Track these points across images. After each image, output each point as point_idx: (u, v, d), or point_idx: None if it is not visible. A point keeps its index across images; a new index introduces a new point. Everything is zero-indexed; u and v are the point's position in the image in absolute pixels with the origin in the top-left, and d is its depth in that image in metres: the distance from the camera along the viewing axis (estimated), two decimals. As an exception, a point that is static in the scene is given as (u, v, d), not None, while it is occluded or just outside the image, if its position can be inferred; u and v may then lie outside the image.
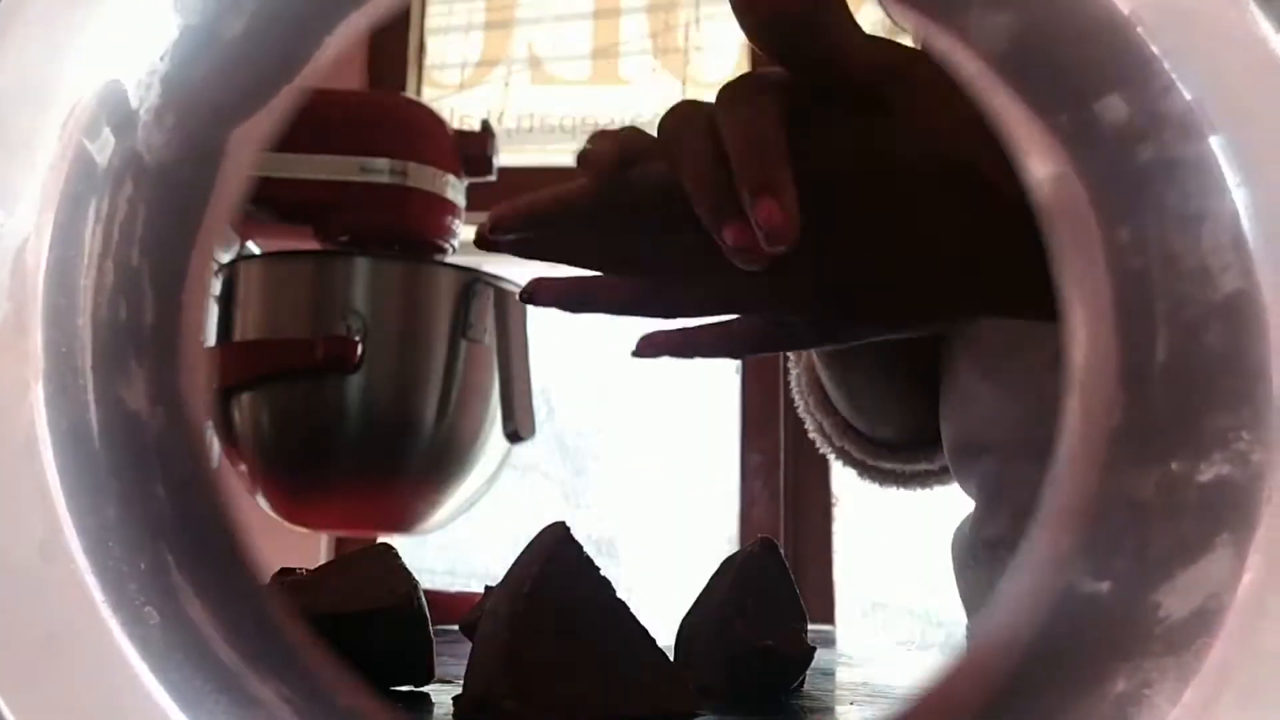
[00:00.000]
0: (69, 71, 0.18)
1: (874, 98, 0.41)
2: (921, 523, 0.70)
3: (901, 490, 0.78)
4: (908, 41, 0.43)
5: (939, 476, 0.76)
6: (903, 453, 0.74)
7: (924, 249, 0.42)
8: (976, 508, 0.65)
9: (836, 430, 0.75)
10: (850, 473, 0.78)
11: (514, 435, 0.95)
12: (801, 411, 0.78)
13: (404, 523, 0.97)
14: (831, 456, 0.78)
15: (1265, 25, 0.19)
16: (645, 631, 0.34)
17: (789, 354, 0.78)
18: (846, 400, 0.72)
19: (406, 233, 0.99)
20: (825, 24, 0.40)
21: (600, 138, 0.44)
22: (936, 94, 0.41)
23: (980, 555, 0.63)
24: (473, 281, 0.95)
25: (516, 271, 1.03)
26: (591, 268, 0.47)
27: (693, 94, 2.07)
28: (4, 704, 0.16)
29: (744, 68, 2.03)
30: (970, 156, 0.40)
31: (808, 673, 0.42)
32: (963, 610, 0.70)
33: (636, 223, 0.44)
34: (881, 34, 0.42)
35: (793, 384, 0.78)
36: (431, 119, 1.03)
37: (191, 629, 0.19)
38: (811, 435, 0.79)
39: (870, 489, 0.78)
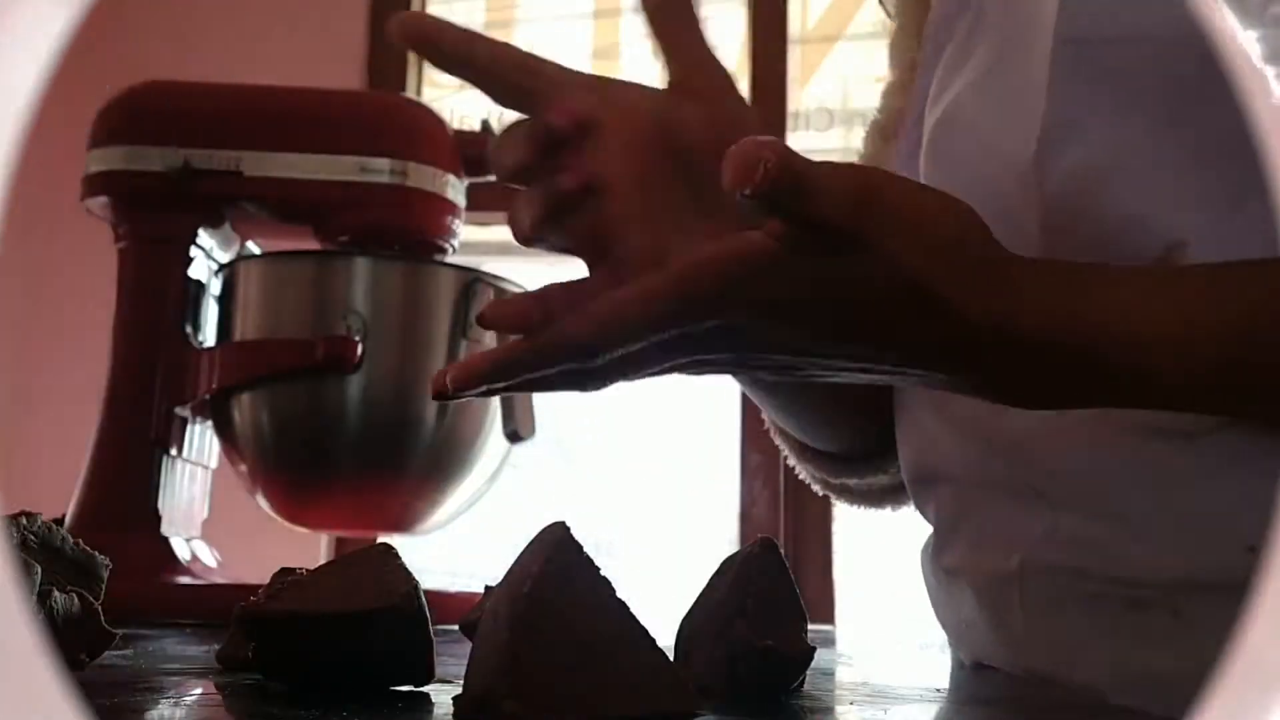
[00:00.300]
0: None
1: (846, 230, 0.40)
2: (921, 523, 0.70)
3: (874, 510, 0.79)
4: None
5: (900, 495, 0.76)
6: (861, 464, 0.74)
7: (882, 359, 0.44)
8: (934, 536, 0.65)
9: (795, 452, 0.75)
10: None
11: (514, 435, 0.95)
12: (773, 434, 0.79)
13: (404, 523, 0.97)
14: (804, 478, 0.79)
15: (1232, 20, 0.19)
16: (645, 631, 0.34)
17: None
18: (795, 423, 0.73)
19: (406, 233, 0.99)
20: (799, 170, 0.39)
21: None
22: (905, 221, 0.42)
23: (940, 580, 0.63)
24: (473, 281, 0.95)
25: (517, 271, 1.04)
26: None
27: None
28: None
29: (744, 68, 2.03)
30: (939, 284, 0.41)
31: (808, 673, 0.42)
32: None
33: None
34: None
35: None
36: (431, 119, 1.03)
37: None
38: (785, 456, 0.79)
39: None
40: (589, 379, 0.45)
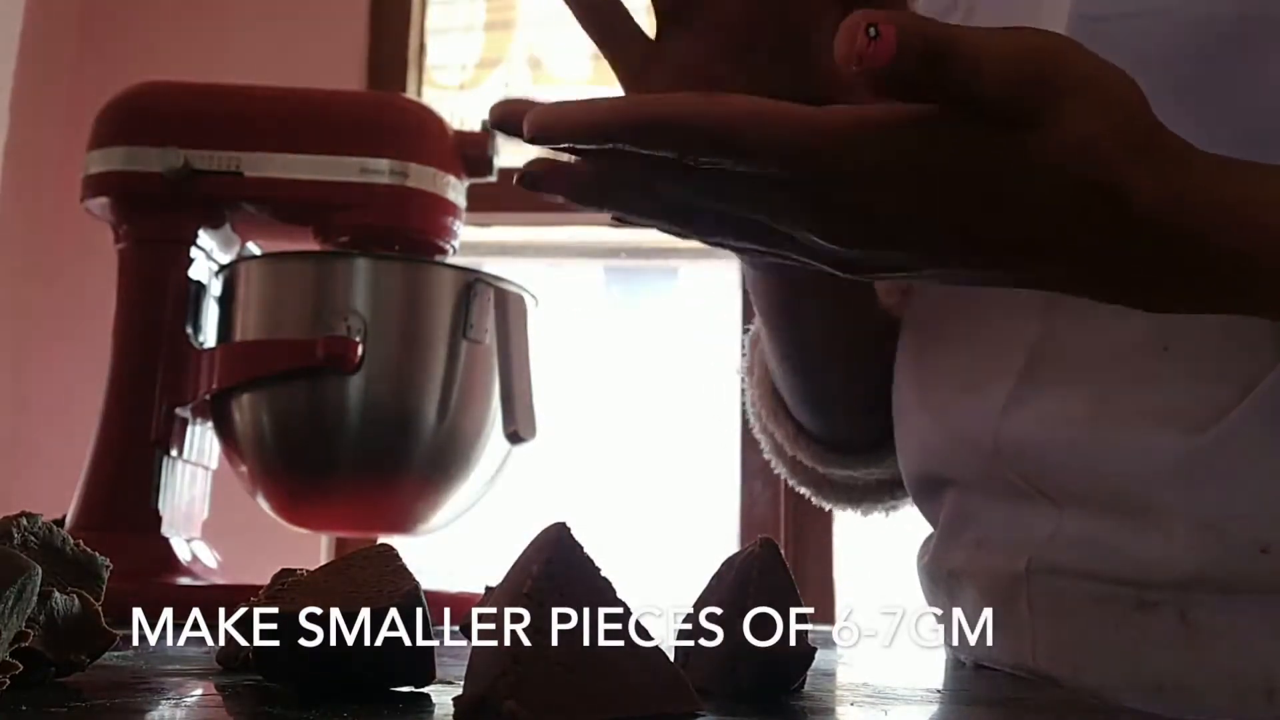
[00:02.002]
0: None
1: (1020, 109, 0.38)
2: (921, 523, 0.70)
3: (855, 512, 0.78)
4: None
5: (891, 492, 0.76)
6: (857, 456, 0.74)
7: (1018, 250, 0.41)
8: (937, 537, 0.64)
9: (789, 439, 0.75)
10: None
11: (514, 436, 0.95)
12: (757, 431, 0.79)
13: (404, 523, 0.97)
14: (784, 474, 0.78)
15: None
16: (645, 632, 0.34)
17: (744, 375, 0.78)
18: (810, 401, 0.72)
19: (406, 233, 0.99)
20: (939, 39, 0.36)
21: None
22: (1092, 101, 0.39)
23: (941, 583, 0.63)
24: (473, 281, 0.95)
25: (517, 271, 1.03)
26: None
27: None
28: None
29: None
30: (1120, 171, 0.39)
31: (808, 673, 0.42)
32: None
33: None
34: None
35: (748, 405, 0.79)
36: (431, 119, 1.03)
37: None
38: (767, 456, 0.79)
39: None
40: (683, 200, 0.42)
